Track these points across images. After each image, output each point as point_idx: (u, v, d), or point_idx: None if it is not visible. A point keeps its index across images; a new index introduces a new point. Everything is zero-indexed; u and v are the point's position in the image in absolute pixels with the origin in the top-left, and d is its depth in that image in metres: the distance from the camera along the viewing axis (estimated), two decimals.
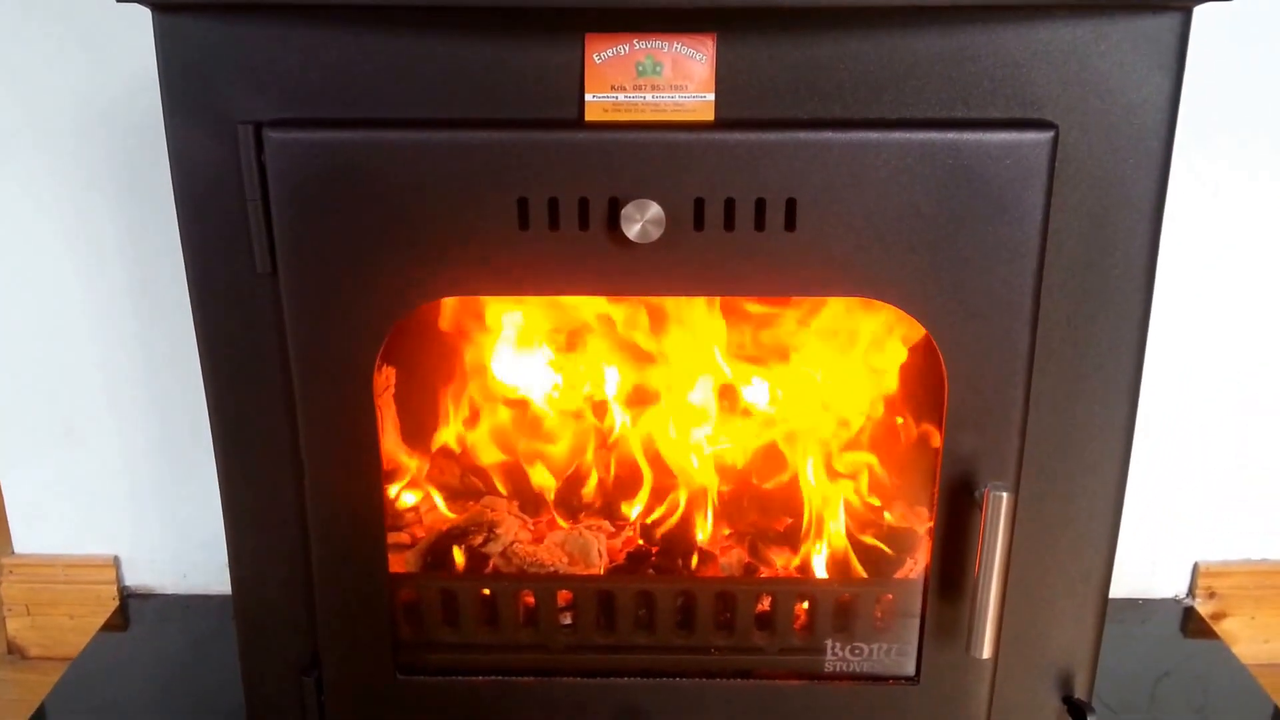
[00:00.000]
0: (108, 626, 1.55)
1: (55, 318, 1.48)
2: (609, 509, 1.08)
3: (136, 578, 1.61)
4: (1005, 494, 0.82)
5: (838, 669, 0.95)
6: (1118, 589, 1.56)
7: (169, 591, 1.61)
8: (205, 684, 1.44)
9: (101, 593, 1.59)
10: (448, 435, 1.08)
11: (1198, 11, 0.79)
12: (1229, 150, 1.34)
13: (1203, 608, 1.57)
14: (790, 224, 0.81)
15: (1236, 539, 1.58)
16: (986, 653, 0.86)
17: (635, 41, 0.79)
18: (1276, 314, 1.45)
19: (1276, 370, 1.48)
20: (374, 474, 0.89)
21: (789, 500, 1.04)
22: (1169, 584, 1.59)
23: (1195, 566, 1.58)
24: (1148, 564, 1.58)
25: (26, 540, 1.60)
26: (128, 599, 1.60)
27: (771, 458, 1.06)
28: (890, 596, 0.94)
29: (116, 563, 1.60)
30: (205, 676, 1.45)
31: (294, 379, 0.87)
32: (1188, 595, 1.59)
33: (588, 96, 0.80)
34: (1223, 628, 1.57)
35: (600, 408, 1.09)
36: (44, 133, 1.38)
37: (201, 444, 1.47)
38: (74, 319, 1.48)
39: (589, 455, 1.09)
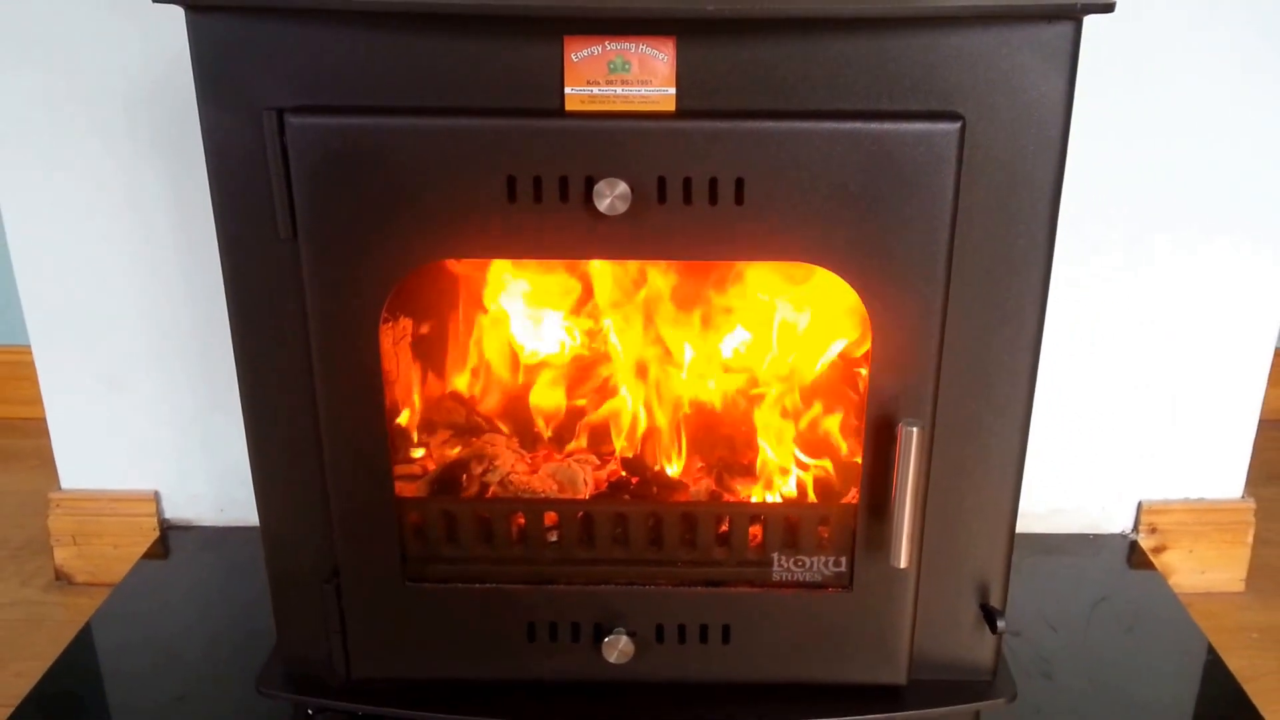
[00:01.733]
0: (149, 555, 1.67)
1: (103, 273, 1.60)
2: (595, 445, 1.22)
3: (176, 511, 1.73)
4: (916, 429, 0.96)
5: (784, 579, 1.09)
6: (1073, 526, 1.71)
7: (206, 524, 1.73)
8: (238, 604, 1.57)
9: (143, 524, 1.71)
10: (457, 381, 1.23)
11: (1086, 21, 0.93)
12: (1128, 126, 1.47)
13: (1145, 542, 1.70)
14: (739, 199, 0.94)
15: (1177, 480, 1.70)
16: (904, 563, 1.00)
17: (607, 43, 0.92)
18: (1205, 270, 1.57)
19: (1205, 327, 1.60)
20: (379, 410, 1.03)
21: (750, 438, 1.19)
22: (1117, 521, 1.71)
23: (1139, 505, 1.70)
24: (1099, 504, 1.70)
25: (73, 477, 1.71)
26: (167, 531, 1.72)
27: (737, 402, 1.20)
28: (829, 518, 1.09)
29: (157, 497, 1.72)
30: (238, 598, 1.58)
31: (310, 330, 1.00)
32: (1133, 531, 1.72)
33: (567, 90, 0.93)
34: (1162, 560, 1.70)
35: (590, 358, 1.23)
36: (97, 105, 1.49)
37: (236, 394, 1.62)
38: (120, 275, 1.60)
39: (580, 399, 1.24)
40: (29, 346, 1.71)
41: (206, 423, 1.68)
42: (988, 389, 1.02)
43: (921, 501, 1.01)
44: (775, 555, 1.09)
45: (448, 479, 1.18)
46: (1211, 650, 1.47)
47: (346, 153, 0.94)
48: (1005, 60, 0.92)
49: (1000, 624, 1.09)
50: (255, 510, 1.61)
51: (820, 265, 0.97)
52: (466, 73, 0.93)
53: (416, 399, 1.19)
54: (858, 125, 0.92)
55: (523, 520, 1.11)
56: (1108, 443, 1.67)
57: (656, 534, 1.11)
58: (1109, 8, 0.89)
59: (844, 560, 1.08)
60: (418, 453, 1.19)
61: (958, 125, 0.92)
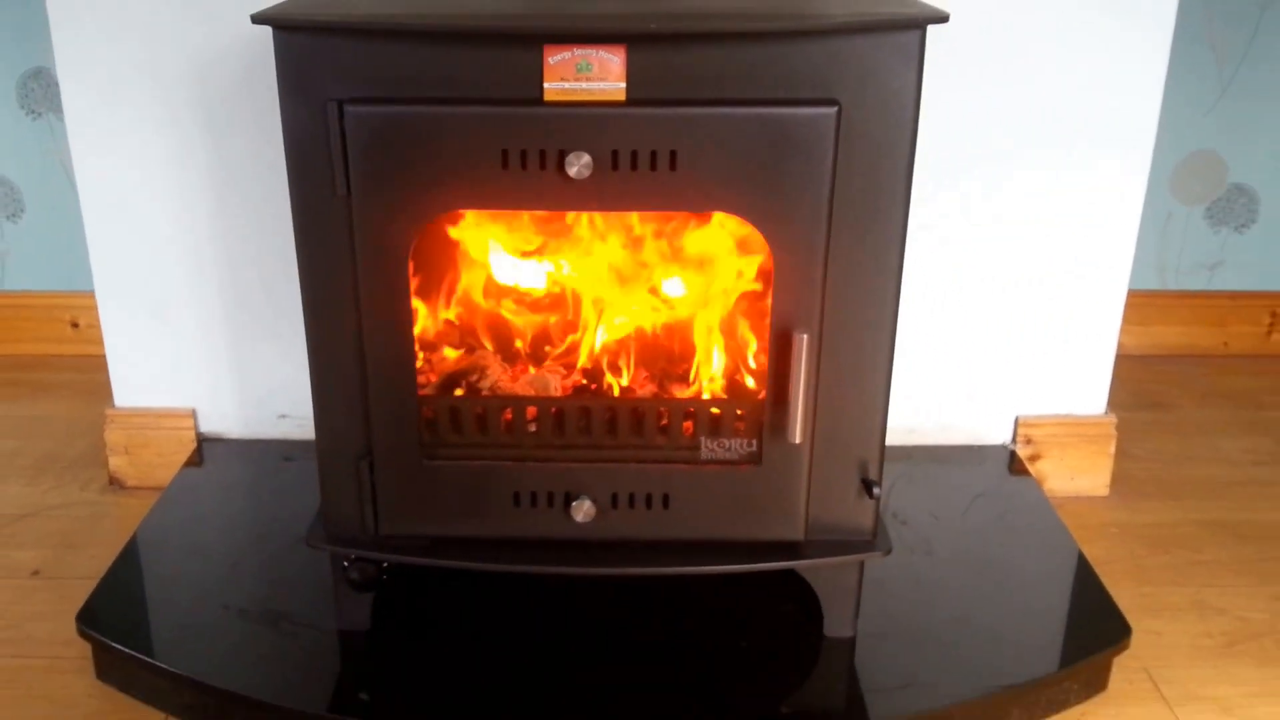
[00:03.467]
0: (188, 464, 1.95)
1: (152, 219, 1.86)
2: (565, 359, 1.53)
3: (210, 426, 2.01)
4: (807, 336, 1.28)
5: (710, 457, 1.39)
6: (959, 439, 2.01)
7: (235, 437, 2.02)
8: (264, 504, 1.87)
9: (183, 436, 1.99)
10: (452, 313, 1.53)
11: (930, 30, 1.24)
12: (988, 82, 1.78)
13: (1022, 452, 1.99)
14: (673, 166, 1.24)
15: (1049, 398, 1.98)
16: (799, 439, 1.33)
17: (575, 50, 1.22)
18: (1067, 215, 1.85)
19: (1069, 266, 1.89)
20: (407, 326, 1.33)
21: (684, 352, 1.51)
22: (998, 434, 2.00)
23: (1016, 420, 1.99)
24: (982, 419, 1.98)
25: (124, 396, 1.99)
26: (203, 442, 2.01)
27: (676, 323, 1.52)
28: (744, 410, 1.41)
29: (194, 414, 2.00)
30: (264, 499, 1.89)
31: (357, 263, 1.30)
32: (1012, 443, 2.02)
33: (546, 85, 1.24)
34: (1037, 468, 2.00)
35: (558, 294, 1.54)
36: (160, 73, 1.76)
37: (264, 320, 1.90)
38: (166, 221, 1.86)
39: (552, 321, 1.55)
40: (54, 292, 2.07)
41: (235, 352, 1.96)
42: (862, 307, 1.33)
43: (812, 392, 1.33)
44: (703, 440, 1.40)
45: (450, 385, 1.49)
46: (1066, 533, 1.77)
47: (387, 132, 1.25)
48: (870, 60, 1.23)
49: (875, 490, 1.40)
50: (276, 425, 1.92)
51: (735, 214, 1.29)
52: (473, 73, 1.24)
53: (425, 325, 1.49)
54: (761, 110, 1.24)
55: (509, 415, 1.43)
56: (988, 366, 1.96)
57: (612, 425, 1.42)
58: (945, 19, 1.21)
59: (755, 442, 1.39)
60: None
61: (835, 109, 1.24)
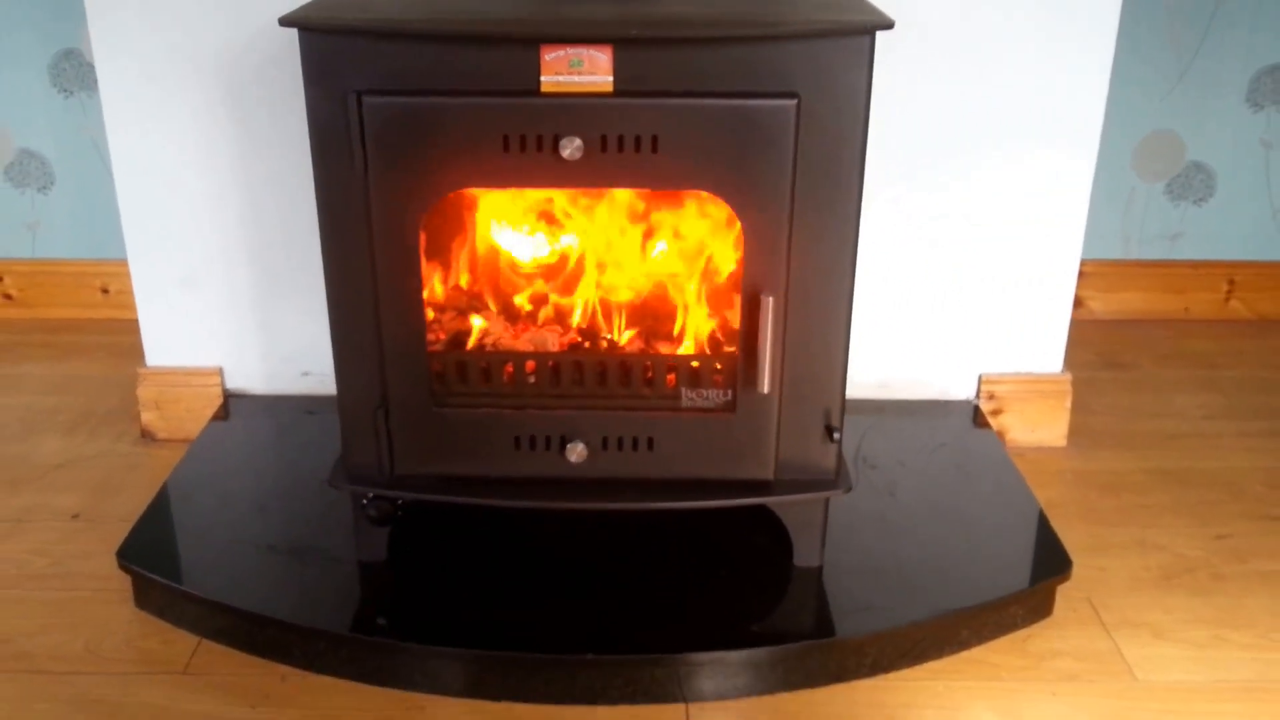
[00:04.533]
0: (215, 418, 2.11)
1: (182, 191, 2.01)
2: (561, 319, 1.69)
3: (235, 383, 2.16)
4: (773, 298, 1.45)
5: (690, 406, 1.56)
6: (927, 394, 2.17)
7: (258, 393, 2.17)
8: (287, 454, 2.03)
9: (210, 393, 2.14)
10: (461, 279, 1.69)
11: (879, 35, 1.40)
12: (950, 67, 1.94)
13: (985, 406, 2.15)
14: (655, 150, 1.41)
15: (1010, 357, 2.13)
16: (767, 389, 1.49)
17: (568, 49, 1.37)
18: (1023, 183, 2.00)
19: (1026, 234, 2.04)
20: (417, 289, 1.49)
21: (669, 313, 1.67)
22: (963, 390, 2.16)
23: (980, 377, 2.15)
24: (949, 376, 2.14)
25: (156, 355, 2.14)
26: (229, 398, 2.16)
27: (661, 289, 1.68)
28: (720, 363, 1.57)
29: (221, 372, 2.15)
30: (287, 450, 2.04)
31: (373, 234, 1.46)
32: (975, 398, 2.19)
33: (542, 78, 1.39)
34: (999, 421, 2.15)
35: (557, 257, 1.70)
36: (192, 55, 1.90)
37: (287, 284, 2.05)
38: (196, 192, 2.01)
39: (549, 290, 1.71)
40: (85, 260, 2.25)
41: (260, 313, 2.10)
42: (822, 274, 1.48)
43: (779, 348, 1.49)
44: (684, 389, 1.57)
45: (457, 343, 1.66)
46: (1020, 479, 1.92)
47: (401, 120, 1.41)
48: (826, 60, 1.39)
49: (836, 435, 1.56)
50: (297, 382, 2.08)
51: (709, 192, 1.46)
52: (478, 68, 1.40)
53: (434, 289, 1.65)
54: (731, 101, 1.40)
55: (510, 368, 1.59)
56: (955, 327, 2.11)
57: (603, 377, 1.58)
58: (890, 26, 1.37)
59: (730, 392, 1.55)
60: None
61: (795, 101, 1.40)
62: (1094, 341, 2.57)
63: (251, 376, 2.17)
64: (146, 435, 2.19)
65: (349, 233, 1.48)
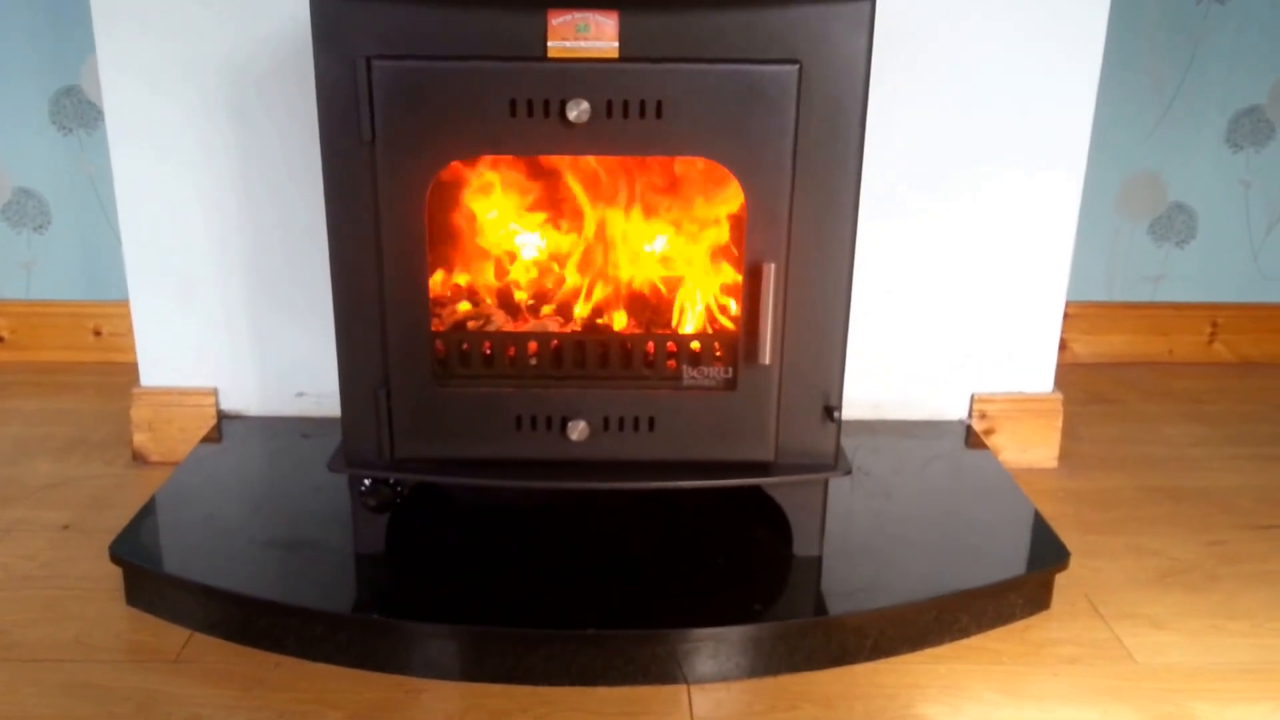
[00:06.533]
0: (206, 439, 2.09)
1: (181, 208, 2.03)
2: (563, 310, 1.70)
3: (230, 404, 2.15)
4: (774, 264, 1.47)
5: (691, 384, 1.57)
6: (920, 414, 2.18)
7: (254, 414, 2.16)
8: (277, 476, 2.00)
9: (205, 414, 2.13)
10: (461, 276, 1.71)
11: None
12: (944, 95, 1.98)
13: (978, 425, 2.17)
14: (659, 115, 1.44)
15: (1001, 377, 2.16)
16: (767, 360, 1.50)
17: (575, 14, 1.42)
18: (1011, 212, 2.05)
19: (1017, 259, 2.08)
20: (422, 263, 1.50)
21: (669, 301, 1.68)
22: (955, 410, 2.17)
23: (972, 396, 2.17)
24: (940, 395, 2.16)
25: (150, 375, 2.13)
26: (223, 419, 2.14)
27: (662, 273, 1.70)
28: (721, 342, 1.59)
29: (216, 392, 2.14)
30: (277, 472, 2.02)
31: (379, 203, 1.47)
32: (968, 417, 2.20)
33: (550, 43, 1.43)
34: (991, 440, 2.16)
35: (559, 253, 1.72)
36: (194, 72, 1.93)
37: (284, 302, 2.06)
38: (195, 210, 2.03)
39: (549, 283, 1.73)
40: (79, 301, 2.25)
41: (256, 333, 2.10)
42: (823, 244, 1.51)
43: (780, 317, 1.51)
44: (684, 367, 1.58)
45: (459, 326, 1.66)
46: (1014, 484, 1.94)
47: (410, 84, 1.44)
48: (827, 27, 1.43)
49: (836, 415, 1.58)
50: (292, 404, 2.09)
51: (712, 159, 1.48)
52: (486, 33, 1.44)
53: (438, 280, 1.66)
54: (735, 66, 1.44)
55: (513, 351, 1.60)
56: (945, 346, 2.14)
57: (604, 358, 1.60)
58: None
59: (731, 370, 1.56)
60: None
61: (796, 67, 1.44)
62: (1080, 382, 2.60)
63: (247, 397, 2.17)
64: (139, 458, 2.18)
65: (354, 204, 1.50)
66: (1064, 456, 2.22)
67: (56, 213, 2.61)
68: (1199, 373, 2.72)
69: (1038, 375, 2.18)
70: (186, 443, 2.12)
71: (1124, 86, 2.51)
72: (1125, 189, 2.62)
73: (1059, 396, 2.18)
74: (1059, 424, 2.19)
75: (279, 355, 2.14)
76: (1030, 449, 2.19)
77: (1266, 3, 2.51)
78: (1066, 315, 2.18)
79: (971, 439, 2.15)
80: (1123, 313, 2.73)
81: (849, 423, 1.88)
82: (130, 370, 2.17)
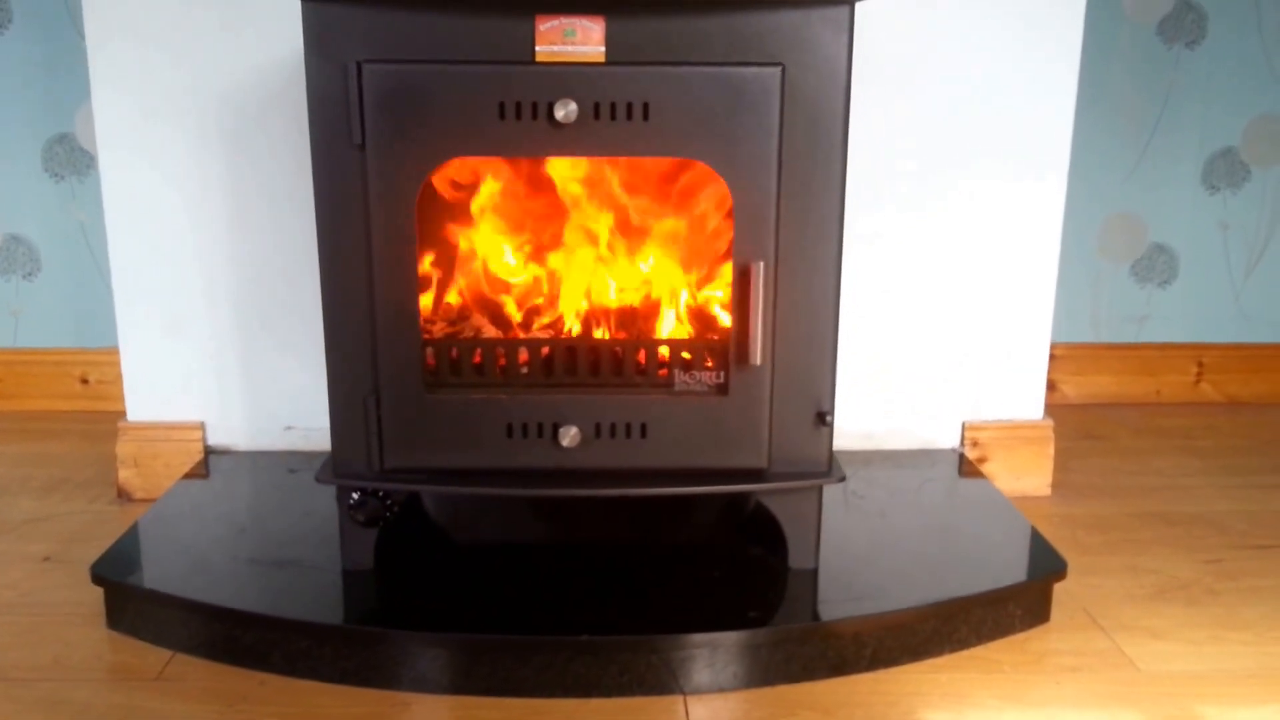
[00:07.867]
0: (190, 475, 2.06)
1: (171, 241, 2.03)
2: (553, 326, 1.70)
3: (218, 438, 2.13)
4: (763, 264, 1.47)
5: (682, 389, 1.57)
6: (912, 443, 2.17)
7: (242, 449, 2.14)
8: (263, 503, 1.98)
9: (191, 449, 2.11)
10: (453, 292, 1.71)
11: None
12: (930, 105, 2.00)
13: (970, 453, 2.16)
14: (646, 117, 1.46)
15: (992, 405, 2.16)
16: (759, 361, 1.50)
17: (563, 19, 1.44)
18: (998, 236, 2.07)
19: (1004, 290, 2.09)
20: (413, 267, 1.50)
21: (659, 306, 1.69)
22: (947, 439, 2.17)
23: (963, 425, 2.17)
24: (931, 424, 2.16)
25: (137, 409, 2.11)
26: (210, 454, 2.13)
27: (650, 285, 1.70)
28: (712, 346, 1.58)
29: (203, 427, 2.12)
30: (263, 499, 1.99)
31: (370, 205, 1.48)
32: (960, 445, 2.20)
33: (538, 47, 1.45)
34: (984, 469, 2.15)
35: (544, 261, 1.72)
36: (185, 103, 1.95)
37: (272, 340, 2.06)
38: (184, 243, 2.03)
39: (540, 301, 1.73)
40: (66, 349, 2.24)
41: (244, 366, 2.10)
42: (810, 244, 1.52)
43: (770, 317, 1.51)
44: (676, 372, 1.58)
45: (450, 336, 1.65)
46: (1009, 503, 1.93)
47: (400, 88, 1.46)
48: (808, 30, 1.46)
49: (829, 419, 1.57)
50: (281, 438, 2.08)
51: (698, 160, 1.49)
52: (475, 37, 1.46)
53: (428, 299, 1.66)
54: (719, 69, 1.46)
55: (504, 358, 1.60)
56: (937, 377, 2.14)
57: (595, 364, 1.60)
58: None
59: (722, 374, 1.56)
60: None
61: (779, 69, 1.46)
62: (1069, 421, 2.60)
63: (234, 431, 2.15)
64: (123, 494, 2.15)
65: (344, 209, 1.50)
66: (1057, 485, 2.22)
67: (46, 260, 2.61)
68: (1188, 412, 2.73)
69: (1028, 402, 2.18)
70: (171, 479, 2.10)
71: (1101, 128, 2.55)
72: (1105, 229, 2.65)
73: (1050, 423, 2.18)
74: (1050, 451, 2.19)
75: (268, 388, 2.13)
76: (1023, 476, 2.19)
77: (1234, 48, 2.55)
78: (1054, 357, 2.19)
79: (965, 467, 2.14)
80: (1109, 354, 2.74)
81: (839, 453, 1.86)
82: (118, 418, 2.16)
